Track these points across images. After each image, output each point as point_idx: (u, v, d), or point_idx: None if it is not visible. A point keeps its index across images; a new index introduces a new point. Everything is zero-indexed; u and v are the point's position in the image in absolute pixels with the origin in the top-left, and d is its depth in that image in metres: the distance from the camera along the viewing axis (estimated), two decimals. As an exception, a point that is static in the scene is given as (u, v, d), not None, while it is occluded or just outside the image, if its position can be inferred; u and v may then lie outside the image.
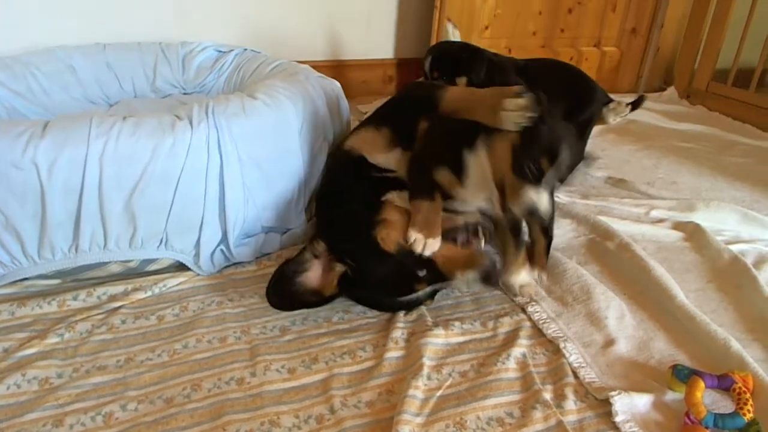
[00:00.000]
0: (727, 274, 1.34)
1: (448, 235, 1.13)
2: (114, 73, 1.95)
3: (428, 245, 1.09)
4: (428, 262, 1.11)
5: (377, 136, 1.27)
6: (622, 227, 1.50)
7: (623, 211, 1.63)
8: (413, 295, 1.14)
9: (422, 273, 1.11)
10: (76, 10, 2.01)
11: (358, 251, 1.13)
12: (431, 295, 1.18)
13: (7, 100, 1.70)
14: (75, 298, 1.17)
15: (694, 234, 1.51)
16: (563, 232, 1.50)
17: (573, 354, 1.06)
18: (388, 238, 1.11)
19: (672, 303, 1.19)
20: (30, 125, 1.08)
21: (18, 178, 1.05)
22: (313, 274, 1.16)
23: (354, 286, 1.16)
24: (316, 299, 1.15)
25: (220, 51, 2.05)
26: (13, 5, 1.92)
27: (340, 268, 1.15)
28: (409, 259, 1.09)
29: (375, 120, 1.34)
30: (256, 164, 1.27)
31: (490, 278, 1.10)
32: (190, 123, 1.18)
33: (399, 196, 1.18)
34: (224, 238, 1.26)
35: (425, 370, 1.00)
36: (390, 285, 1.14)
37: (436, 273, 1.12)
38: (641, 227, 1.54)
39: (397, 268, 1.11)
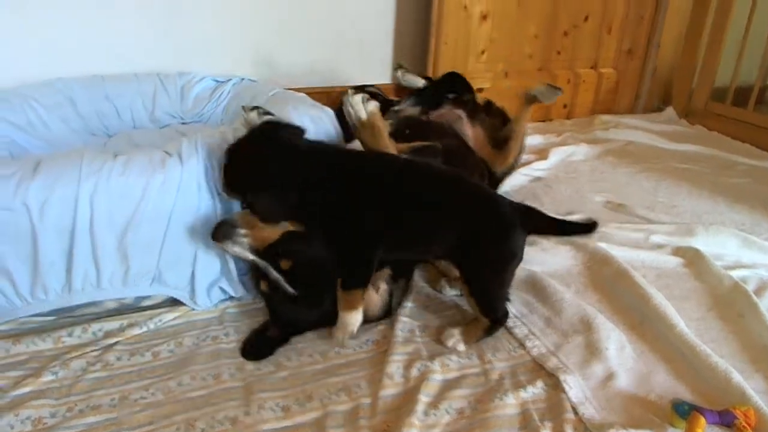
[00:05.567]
0: (728, 301, 1.33)
1: None
2: (113, 104, 1.96)
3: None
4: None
5: None
6: (621, 253, 1.49)
7: (622, 237, 1.62)
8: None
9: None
10: (75, 43, 2.02)
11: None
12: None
13: (7, 134, 1.70)
14: (70, 335, 1.16)
15: (694, 260, 1.50)
16: (561, 259, 1.49)
17: (573, 388, 1.05)
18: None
19: (672, 333, 1.18)
20: (20, 166, 1.08)
21: (9, 219, 1.05)
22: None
23: None
24: (284, 336, 1.18)
25: (217, 81, 2.06)
26: (12, 38, 1.93)
27: None
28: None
29: None
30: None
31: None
32: (180, 159, 1.18)
33: None
34: (223, 274, 1.26)
35: (421, 407, 0.99)
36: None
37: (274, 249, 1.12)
38: (640, 253, 1.53)
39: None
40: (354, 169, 1.15)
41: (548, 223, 1.22)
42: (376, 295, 1.19)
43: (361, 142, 1.26)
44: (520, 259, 1.19)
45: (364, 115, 1.20)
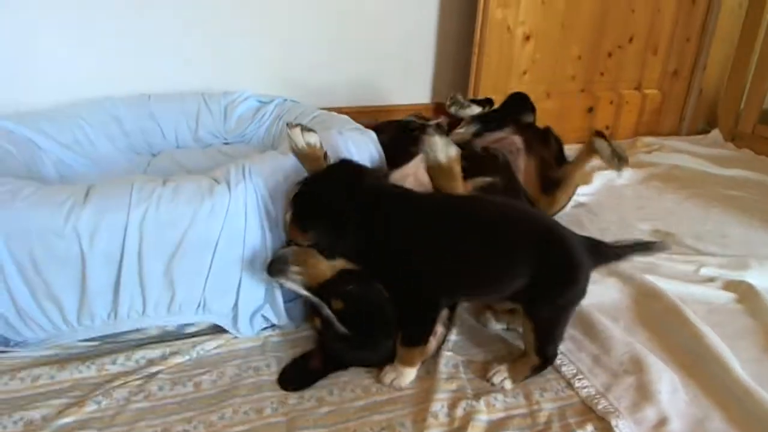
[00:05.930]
0: (786, 342, 1.27)
1: None
2: (157, 123, 1.98)
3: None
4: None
5: None
6: (670, 287, 1.44)
7: (671, 269, 1.57)
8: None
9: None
10: (122, 62, 2.05)
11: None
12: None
13: (55, 152, 1.72)
14: (114, 362, 1.16)
15: (747, 295, 1.44)
16: (609, 291, 1.45)
17: (625, 433, 1.01)
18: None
19: (728, 376, 1.13)
20: (71, 193, 1.10)
21: (60, 246, 1.06)
22: (317, 351, 1.17)
23: None
24: (325, 369, 1.15)
25: (260, 101, 2.07)
26: (59, 58, 1.97)
27: None
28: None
29: None
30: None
31: None
32: (228, 186, 1.18)
33: None
34: (267, 302, 1.25)
35: (467, 450, 0.97)
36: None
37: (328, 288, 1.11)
38: (690, 287, 1.47)
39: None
40: (423, 216, 1.12)
41: (615, 253, 1.18)
42: (433, 340, 1.17)
43: (431, 179, 1.24)
44: (584, 296, 1.16)
45: (444, 160, 1.18)
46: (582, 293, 1.14)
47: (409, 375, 1.13)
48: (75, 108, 1.88)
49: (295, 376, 1.15)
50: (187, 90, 2.09)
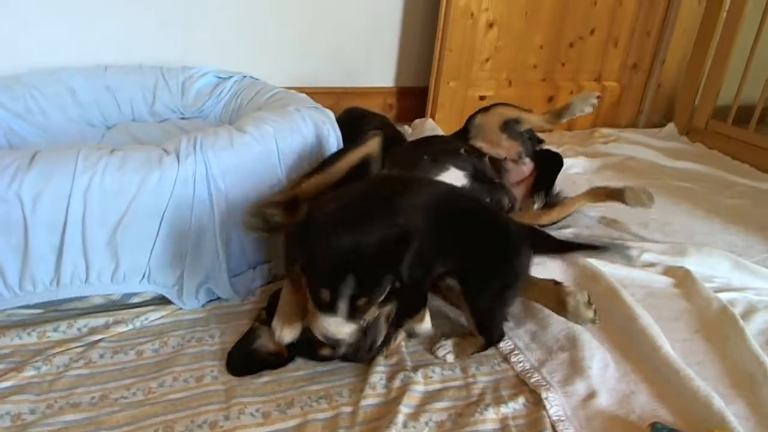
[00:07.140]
0: (715, 324, 1.33)
1: None
2: (113, 95, 1.96)
3: (284, 334, 1.08)
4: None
5: None
6: (611, 271, 1.49)
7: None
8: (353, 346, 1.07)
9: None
10: (84, 32, 2.02)
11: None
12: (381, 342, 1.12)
13: (5, 120, 1.70)
14: (55, 330, 1.16)
15: (684, 280, 1.49)
16: (551, 274, 1.47)
17: (554, 406, 1.05)
18: None
19: (657, 355, 1.18)
20: (16, 157, 1.09)
21: (1, 210, 1.05)
22: (265, 339, 1.14)
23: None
24: (277, 360, 1.12)
25: (219, 77, 2.06)
26: (17, 26, 1.93)
27: None
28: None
29: None
30: (243, 198, 1.27)
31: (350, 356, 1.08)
32: (177, 157, 1.18)
33: None
34: (213, 276, 1.26)
35: (401, 418, 0.99)
36: (303, 347, 1.11)
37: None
38: (631, 271, 1.52)
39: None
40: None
41: (554, 244, 1.21)
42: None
43: None
44: (525, 280, 1.19)
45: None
46: (519, 277, 1.16)
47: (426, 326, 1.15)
48: (29, 77, 1.84)
49: (244, 363, 1.12)
50: (146, 63, 2.07)
